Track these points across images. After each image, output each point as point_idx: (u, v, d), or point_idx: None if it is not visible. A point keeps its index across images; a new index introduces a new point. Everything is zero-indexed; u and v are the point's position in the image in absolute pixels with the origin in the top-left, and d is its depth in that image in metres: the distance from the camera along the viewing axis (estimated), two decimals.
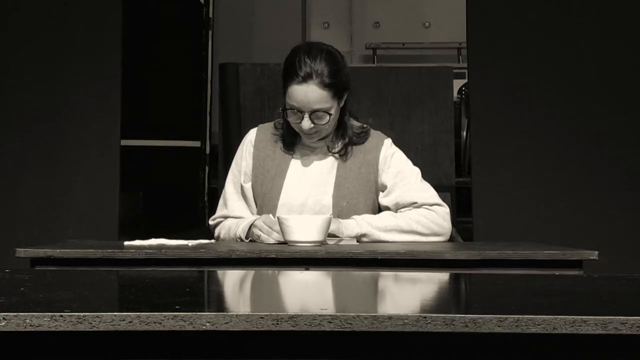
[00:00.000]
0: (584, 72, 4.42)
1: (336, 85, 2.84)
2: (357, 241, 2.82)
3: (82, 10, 4.47)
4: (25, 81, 4.46)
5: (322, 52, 2.86)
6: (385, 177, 2.93)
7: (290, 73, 2.83)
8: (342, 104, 2.91)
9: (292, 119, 2.87)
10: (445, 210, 2.89)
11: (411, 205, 2.89)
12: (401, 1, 7.99)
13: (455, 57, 7.81)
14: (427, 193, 2.92)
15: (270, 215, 2.83)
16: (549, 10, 4.45)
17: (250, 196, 2.96)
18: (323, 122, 2.85)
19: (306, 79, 2.81)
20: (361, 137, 2.96)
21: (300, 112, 2.83)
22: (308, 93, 2.81)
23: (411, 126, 6.50)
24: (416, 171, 2.96)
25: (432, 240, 2.86)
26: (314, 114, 2.83)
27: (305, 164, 2.96)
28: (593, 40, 4.43)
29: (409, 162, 2.98)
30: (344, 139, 2.95)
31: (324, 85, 2.81)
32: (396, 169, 2.94)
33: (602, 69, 4.42)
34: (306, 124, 2.84)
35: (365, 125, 3.00)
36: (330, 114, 2.84)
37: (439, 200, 2.91)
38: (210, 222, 3.05)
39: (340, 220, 2.83)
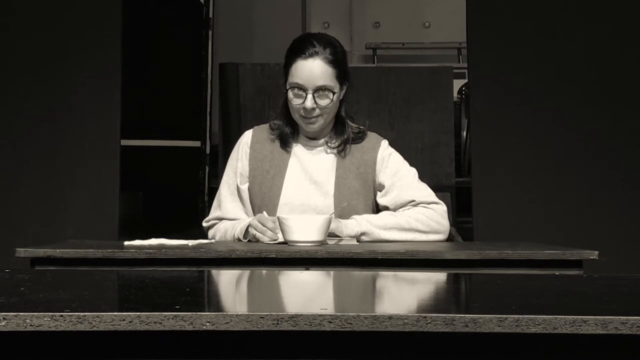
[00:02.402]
0: (584, 72, 4.42)
1: (340, 65, 2.90)
2: (357, 241, 2.82)
3: (82, 10, 4.47)
4: (25, 81, 4.46)
5: (326, 38, 2.94)
6: (382, 177, 2.94)
7: (296, 50, 2.89)
8: (341, 96, 2.93)
9: (294, 100, 2.88)
10: (443, 209, 2.90)
11: (409, 203, 2.89)
12: (401, 1, 7.99)
13: (455, 57, 7.81)
14: (425, 192, 2.93)
15: (265, 212, 2.83)
16: (549, 10, 4.45)
17: (246, 198, 2.96)
18: (325, 103, 2.86)
19: (312, 55, 2.87)
20: (358, 137, 2.98)
21: (303, 90, 2.85)
22: (314, 68, 2.85)
23: (411, 126, 6.50)
24: (413, 171, 2.97)
25: (431, 239, 2.86)
26: (317, 92, 2.85)
27: (304, 163, 2.96)
28: (593, 40, 4.43)
29: (406, 163, 2.99)
30: (343, 135, 2.96)
31: (329, 62, 2.87)
32: (393, 169, 2.95)
33: (603, 69, 4.42)
34: (309, 103, 2.86)
35: (361, 127, 3.01)
36: (334, 92, 2.86)
37: (437, 199, 2.92)
38: (204, 224, 3.04)
39: (340, 220, 2.83)
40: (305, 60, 2.86)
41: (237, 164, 3.00)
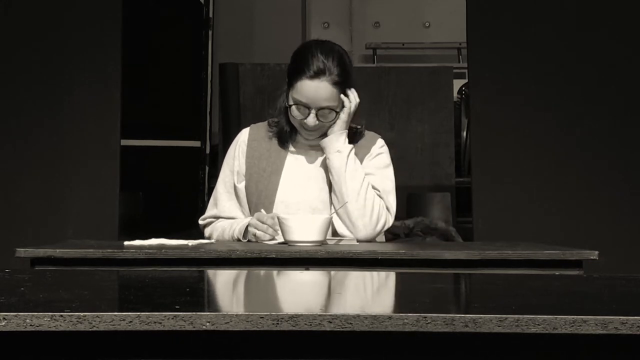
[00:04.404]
0: (584, 72, 4.42)
1: (346, 82, 2.85)
2: (357, 240, 2.83)
3: (82, 10, 4.47)
4: (25, 81, 4.46)
5: (334, 51, 2.86)
6: (365, 163, 2.92)
7: (302, 67, 2.81)
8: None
9: (296, 115, 2.85)
10: (389, 222, 2.87)
11: (374, 189, 2.88)
12: (401, 1, 7.99)
13: (455, 57, 7.82)
14: (391, 198, 2.90)
15: (263, 210, 2.82)
16: (549, 10, 4.45)
17: (243, 196, 2.95)
18: (328, 120, 2.85)
19: (318, 74, 2.80)
20: (356, 137, 2.96)
21: (307, 107, 2.83)
22: (319, 89, 2.80)
23: (411, 126, 6.50)
24: (392, 177, 2.94)
25: (354, 226, 2.81)
26: (320, 110, 2.83)
27: (301, 161, 2.95)
28: (593, 40, 4.43)
29: (391, 167, 2.95)
30: None
31: (334, 83, 2.81)
32: (376, 167, 2.93)
33: (602, 69, 4.42)
34: (311, 120, 2.83)
35: (359, 127, 2.99)
36: (336, 112, 2.85)
37: (393, 212, 2.90)
38: (200, 222, 3.03)
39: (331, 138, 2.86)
40: (311, 80, 2.79)
41: (233, 162, 2.98)
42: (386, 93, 6.56)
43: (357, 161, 2.88)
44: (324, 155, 2.93)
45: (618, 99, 4.41)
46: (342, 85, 2.83)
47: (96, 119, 4.46)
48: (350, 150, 2.87)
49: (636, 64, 4.42)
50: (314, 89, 2.80)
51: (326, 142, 2.87)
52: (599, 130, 4.40)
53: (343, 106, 2.87)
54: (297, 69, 2.83)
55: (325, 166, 2.94)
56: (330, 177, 2.87)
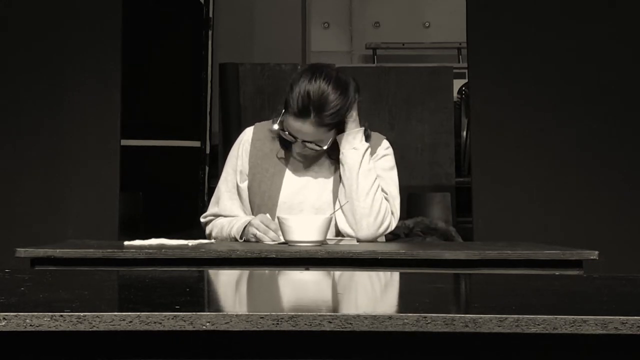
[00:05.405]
0: (584, 72, 4.42)
1: (333, 120, 2.82)
2: (358, 242, 2.82)
3: (82, 10, 4.47)
4: (26, 81, 4.46)
5: (329, 85, 2.79)
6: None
7: (290, 103, 2.79)
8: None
9: (286, 137, 2.87)
10: (392, 225, 2.88)
11: (383, 191, 2.89)
12: (401, 1, 8.00)
13: (455, 57, 7.82)
14: (397, 202, 2.92)
15: (267, 214, 2.83)
16: (549, 10, 4.45)
17: (245, 196, 2.95)
18: (315, 149, 2.85)
19: (303, 115, 2.77)
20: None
21: (294, 137, 2.84)
22: (302, 128, 2.80)
23: (411, 126, 6.51)
24: (396, 180, 2.95)
25: (358, 225, 2.82)
26: (306, 142, 2.83)
27: (304, 162, 2.95)
28: (593, 39, 4.43)
29: (395, 170, 2.96)
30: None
31: (320, 125, 2.79)
32: (382, 168, 2.93)
33: (603, 69, 4.42)
34: (298, 149, 2.86)
35: (363, 128, 2.98)
36: (322, 147, 2.84)
37: (397, 214, 2.91)
38: (202, 220, 3.04)
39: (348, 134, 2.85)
40: (295, 119, 2.78)
41: (236, 161, 2.98)
42: (386, 93, 6.57)
43: (372, 161, 2.88)
44: (327, 156, 2.93)
45: (618, 99, 4.41)
46: (329, 124, 2.81)
47: (96, 119, 4.46)
48: (366, 150, 2.87)
49: (636, 64, 4.42)
50: (298, 127, 2.80)
51: (343, 138, 2.87)
52: (599, 130, 4.40)
53: (335, 131, 2.86)
54: (287, 103, 2.81)
55: (328, 166, 2.93)
56: (342, 173, 2.87)
